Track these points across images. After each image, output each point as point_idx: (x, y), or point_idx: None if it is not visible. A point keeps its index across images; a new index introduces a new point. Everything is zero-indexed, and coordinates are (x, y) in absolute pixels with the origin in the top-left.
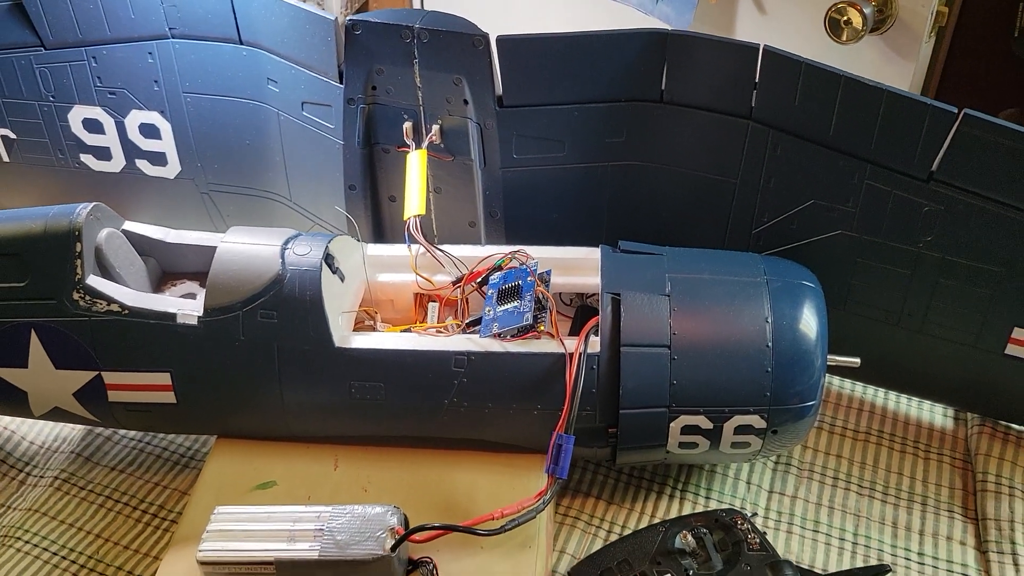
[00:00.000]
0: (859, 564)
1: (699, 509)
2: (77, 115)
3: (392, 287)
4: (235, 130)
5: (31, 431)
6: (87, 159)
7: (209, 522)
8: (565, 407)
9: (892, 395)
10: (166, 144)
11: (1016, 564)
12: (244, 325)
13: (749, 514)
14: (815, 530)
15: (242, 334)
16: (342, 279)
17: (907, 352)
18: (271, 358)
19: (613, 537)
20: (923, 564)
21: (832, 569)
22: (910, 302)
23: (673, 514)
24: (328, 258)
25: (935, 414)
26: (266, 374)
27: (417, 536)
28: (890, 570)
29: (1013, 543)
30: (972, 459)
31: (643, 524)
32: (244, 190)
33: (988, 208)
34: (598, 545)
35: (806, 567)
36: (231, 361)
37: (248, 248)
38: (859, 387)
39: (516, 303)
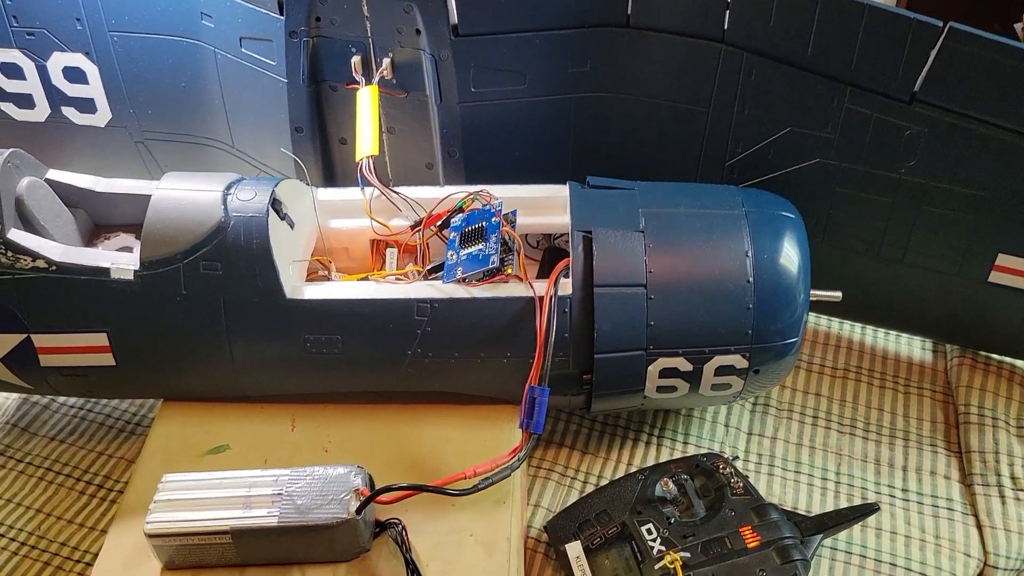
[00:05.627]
0: (843, 503)
1: (677, 455)
2: None
3: (346, 234)
4: (169, 71)
5: None
6: (7, 108)
7: (156, 492)
8: (537, 356)
9: (869, 330)
10: (94, 89)
11: (1002, 496)
12: (186, 278)
13: (731, 457)
14: (797, 471)
15: (184, 288)
16: (291, 226)
17: (887, 284)
18: (217, 313)
19: (589, 488)
20: (908, 500)
21: (816, 510)
22: (891, 231)
23: (650, 461)
24: (275, 203)
25: (913, 348)
26: (212, 330)
27: (384, 497)
28: (878, 508)
29: (998, 475)
30: (953, 392)
31: (620, 473)
32: (182, 137)
33: (973, 128)
34: (573, 497)
35: (789, 509)
36: (173, 317)
37: (186, 194)
38: (835, 323)
39: (480, 246)
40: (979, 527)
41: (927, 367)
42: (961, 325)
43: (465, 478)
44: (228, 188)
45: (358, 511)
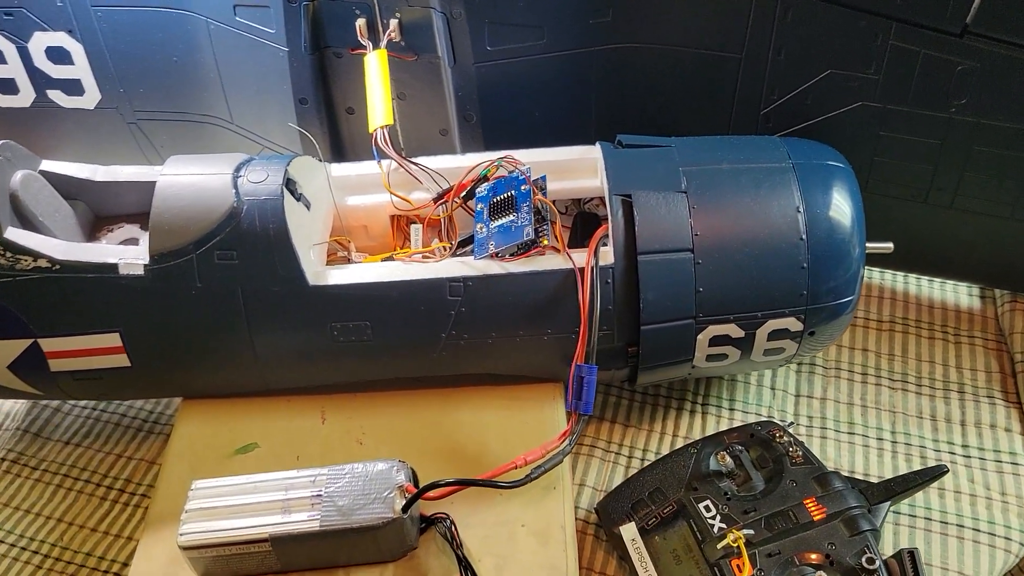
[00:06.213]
0: (901, 464)
1: (723, 423)
2: None
3: (364, 211)
4: (159, 46)
5: None
6: None
7: (187, 500)
8: (582, 332)
9: (912, 278)
10: (80, 69)
11: None
12: (200, 270)
13: (786, 424)
14: (850, 432)
15: (199, 280)
16: (307, 206)
17: (935, 231)
18: (236, 305)
19: (634, 463)
20: (969, 457)
21: (874, 473)
22: (940, 175)
23: (696, 432)
24: (289, 183)
25: (960, 294)
26: (232, 323)
27: (430, 493)
28: (947, 470)
29: None
30: (1007, 339)
31: (665, 446)
32: (178, 116)
33: None
34: (619, 474)
35: (847, 473)
36: (189, 312)
37: (194, 179)
38: (875, 272)
39: (512, 216)
40: None
41: (976, 314)
42: (1013, 269)
43: (515, 467)
44: (238, 170)
45: (404, 509)
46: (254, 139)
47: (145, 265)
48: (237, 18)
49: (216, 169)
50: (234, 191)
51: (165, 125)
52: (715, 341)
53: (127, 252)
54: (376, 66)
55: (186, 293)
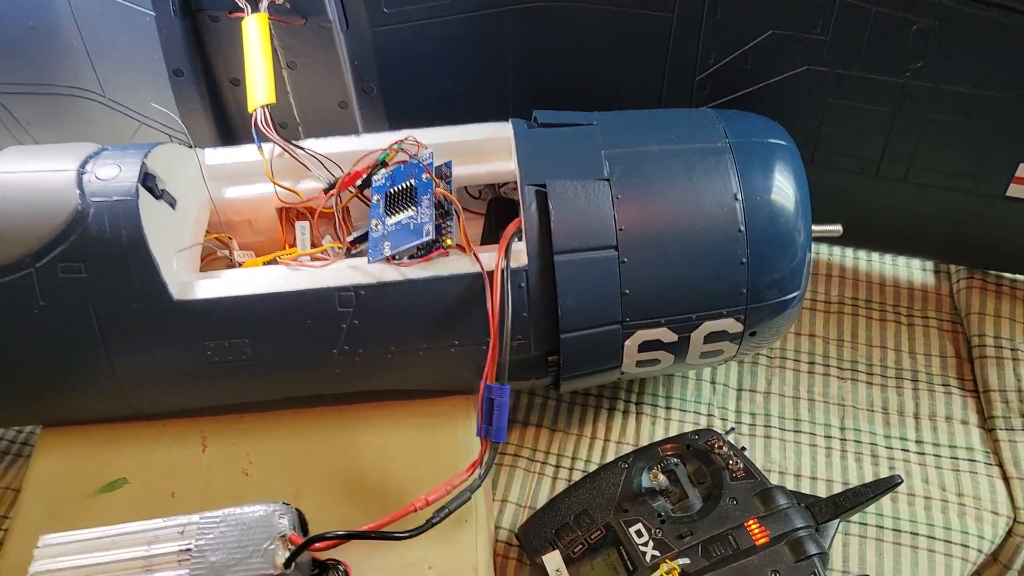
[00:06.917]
0: (851, 465)
1: (660, 424)
2: None
3: (246, 203)
4: (8, 9)
5: None
6: None
7: (32, 560)
8: (491, 348)
9: (862, 254)
10: None
11: None
12: (41, 285)
13: (726, 431)
14: (796, 430)
15: (41, 298)
16: (172, 204)
17: (887, 206)
18: (88, 324)
19: (563, 474)
20: (923, 454)
21: (822, 476)
22: (893, 146)
23: (630, 435)
24: (148, 178)
25: (913, 270)
26: (85, 346)
27: (317, 544)
28: (900, 481)
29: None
30: (963, 320)
31: (596, 453)
32: (43, 89)
33: (994, 18)
34: (546, 486)
35: (793, 477)
36: (32, 334)
37: (29, 177)
38: (824, 248)
39: (411, 212)
40: (1005, 479)
41: (930, 292)
42: (971, 244)
43: (414, 511)
44: (83, 165)
45: (287, 564)
46: (131, 115)
47: None
48: None
49: (57, 164)
50: (79, 191)
51: (30, 100)
52: (645, 347)
53: None
54: (255, 33)
55: (27, 313)
